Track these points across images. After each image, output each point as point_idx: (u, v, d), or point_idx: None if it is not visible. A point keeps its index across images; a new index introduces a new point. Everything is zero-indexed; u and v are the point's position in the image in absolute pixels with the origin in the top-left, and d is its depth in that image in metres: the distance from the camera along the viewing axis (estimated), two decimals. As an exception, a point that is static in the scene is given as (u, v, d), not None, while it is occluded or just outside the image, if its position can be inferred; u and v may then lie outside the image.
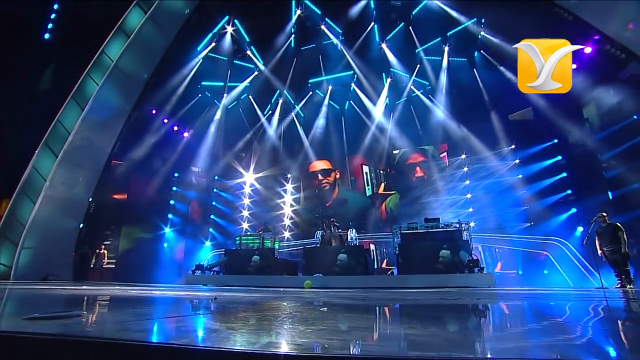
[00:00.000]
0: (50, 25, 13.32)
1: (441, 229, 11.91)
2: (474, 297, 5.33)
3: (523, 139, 14.78)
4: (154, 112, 15.20)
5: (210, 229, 17.65)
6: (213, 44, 14.55)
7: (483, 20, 12.46)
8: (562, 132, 13.69)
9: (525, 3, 9.98)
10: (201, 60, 14.66)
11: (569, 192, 13.93)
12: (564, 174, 14.09)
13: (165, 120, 15.76)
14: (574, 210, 13.62)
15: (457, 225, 11.87)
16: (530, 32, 11.50)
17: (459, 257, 10.66)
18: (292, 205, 18.75)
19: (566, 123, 13.13)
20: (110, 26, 12.75)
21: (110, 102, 13.09)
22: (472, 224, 12.10)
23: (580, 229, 13.26)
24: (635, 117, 11.75)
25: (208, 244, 17.35)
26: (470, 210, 15.73)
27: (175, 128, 16.36)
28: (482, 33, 12.81)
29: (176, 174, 17.19)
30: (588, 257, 12.47)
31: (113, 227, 14.61)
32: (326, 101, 16.58)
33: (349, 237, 13.17)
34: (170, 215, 16.83)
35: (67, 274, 13.65)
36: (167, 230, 16.58)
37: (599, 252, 8.60)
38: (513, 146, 15.15)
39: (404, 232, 12.28)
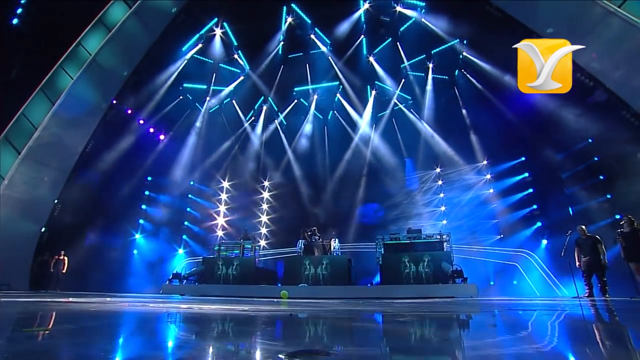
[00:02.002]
0: (19, 10, 12.28)
1: (423, 240, 12.23)
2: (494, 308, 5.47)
3: (494, 156, 15.67)
4: (129, 112, 14.43)
5: (184, 236, 16.88)
6: (200, 46, 14.15)
7: (465, 42, 13.19)
8: (529, 150, 14.68)
9: (505, 29, 10.68)
10: (186, 61, 14.19)
11: (535, 207, 14.82)
12: (531, 190, 15.02)
13: (141, 121, 15.03)
14: (539, 224, 14.51)
15: (439, 237, 12.27)
16: (507, 56, 12.42)
17: (442, 268, 10.97)
18: (268, 214, 18.50)
19: (533, 142, 13.99)
20: (89, 17, 12.00)
21: (85, 98, 12.25)
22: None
23: (544, 241, 14.21)
24: (590, 140, 12.87)
25: (181, 251, 16.57)
26: (444, 222, 16.31)
27: (152, 130, 15.62)
28: (464, 53, 13.56)
29: (149, 178, 16.37)
30: (553, 268, 13.41)
31: (79, 231, 13.49)
32: (312, 110, 16.62)
33: (332, 247, 13.16)
34: (141, 221, 15.94)
35: (23, 283, 12.42)
36: (138, 236, 15.67)
37: (577, 263, 9.14)
38: (485, 162, 15.99)
39: (387, 242, 12.47)
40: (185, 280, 12.10)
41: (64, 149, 12.40)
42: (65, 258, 12.94)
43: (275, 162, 17.61)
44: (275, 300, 7.97)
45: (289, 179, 17.38)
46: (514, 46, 5.79)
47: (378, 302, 7.17)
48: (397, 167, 16.39)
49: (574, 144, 13.11)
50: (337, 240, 13.40)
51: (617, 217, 11.79)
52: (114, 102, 13.00)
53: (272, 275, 14.21)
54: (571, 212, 13.73)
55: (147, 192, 16.39)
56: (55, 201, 12.75)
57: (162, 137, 16.16)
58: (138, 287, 13.96)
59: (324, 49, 14.45)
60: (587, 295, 8.90)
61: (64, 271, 12.82)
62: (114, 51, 12.20)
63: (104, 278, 13.55)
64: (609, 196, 12.43)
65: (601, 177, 12.69)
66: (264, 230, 18.12)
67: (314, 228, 13.68)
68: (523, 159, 15.26)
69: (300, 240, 13.34)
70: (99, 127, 12.85)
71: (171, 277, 12.06)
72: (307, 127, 16.83)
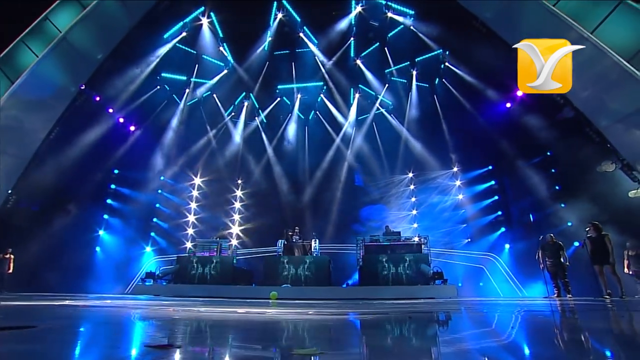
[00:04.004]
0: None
1: (402, 242, 12.57)
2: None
3: (465, 163, 16.51)
4: (97, 99, 13.29)
5: (152, 233, 15.90)
6: (184, 34, 13.36)
7: (447, 53, 13.76)
8: (497, 160, 15.63)
9: (488, 44, 11.31)
10: (167, 49, 13.34)
11: (500, 213, 15.78)
12: (496, 197, 16.00)
13: (110, 110, 13.92)
14: (503, 229, 15.47)
15: (417, 239, 12.69)
16: (486, 69, 13.13)
17: (420, 270, 11.35)
18: (241, 212, 18.05)
19: (500, 152, 14.85)
20: (60, -10, 10.94)
21: (51, 80, 11.11)
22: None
23: (507, 246, 15.19)
24: (549, 153, 14.00)
25: (149, 249, 15.60)
26: (415, 225, 16.89)
27: (122, 120, 14.50)
28: (446, 63, 14.13)
29: (116, 171, 15.25)
30: (515, 271, 14.38)
31: (36, 226, 12.18)
32: (296, 109, 16.45)
33: (312, 247, 13.09)
34: (106, 216, 14.78)
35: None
36: (102, 232, 14.51)
37: (541, 265, 9.93)
38: (456, 169, 16.80)
39: (368, 244, 12.65)
40: (158, 280, 11.40)
41: (23, 135, 11.16)
42: (11, 257, 11.54)
43: (253, 160, 17.21)
44: (270, 302, 7.77)
45: (266, 177, 17.07)
46: (514, 46, 5.80)
47: (379, 302, 7.23)
48: (376, 169, 16.73)
49: (536, 156, 14.12)
50: (317, 240, 13.36)
51: (569, 224, 12.94)
52: (88, 86, 11.91)
53: (249, 275, 13.84)
54: (532, 219, 14.82)
55: (112, 186, 15.26)
56: (9, 192, 11.42)
57: (132, 128, 15.10)
58: (102, 287, 12.94)
59: (313, 48, 14.35)
60: (556, 295, 9.67)
61: (9, 271, 11.43)
62: (88, 31, 11.16)
63: (63, 277, 12.35)
64: (562, 205, 13.44)
65: (557, 188, 13.73)
66: (236, 229, 17.63)
67: (296, 228, 13.54)
68: (490, 167, 16.22)
69: (281, 240, 13.12)
70: (66, 112, 11.71)
71: (144, 276, 11.31)
72: (289, 126, 16.64)
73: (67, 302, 5.07)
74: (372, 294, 10.38)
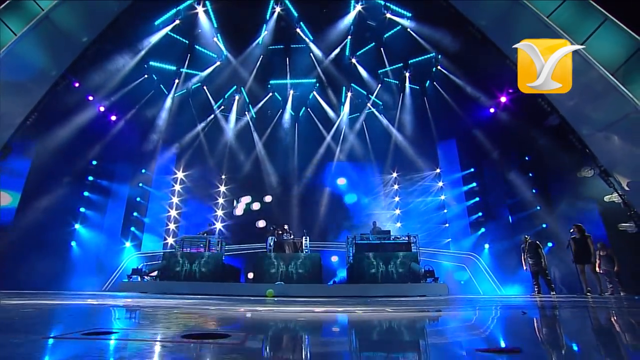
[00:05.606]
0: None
1: (392, 241, 12.76)
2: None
3: (449, 165, 17.00)
4: (76, 85, 12.46)
5: (132, 228, 15.18)
6: (177, 22, 12.78)
7: (440, 56, 14.08)
8: (479, 162, 16.20)
9: (481, 50, 11.68)
10: (158, 37, 12.70)
11: (480, 214, 16.38)
12: (477, 199, 16.59)
13: (90, 98, 13.11)
14: (483, 230, 16.05)
15: (407, 238, 12.93)
16: (477, 74, 13.55)
17: (411, 268, 11.58)
18: (224, 208, 17.69)
19: (483, 155, 15.41)
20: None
21: (31, 61, 10.28)
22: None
23: (487, 246, 15.81)
24: (527, 158, 14.72)
25: (128, 244, 14.88)
26: (399, 225, 17.24)
27: (102, 109, 13.68)
28: (438, 67, 14.43)
29: (94, 162, 14.41)
30: (494, 270, 14.98)
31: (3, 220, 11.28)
32: (289, 105, 16.26)
33: (304, 245, 13.03)
34: (82, 209, 13.93)
35: None
36: (78, 226, 13.68)
37: (524, 266, 10.45)
38: (439, 170, 17.29)
39: (358, 242, 12.74)
40: (146, 277, 10.92)
41: (-4, 119, 10.26)
42: None
43: (241, 155, 16.86)
44: (271, 299, 7.65)
45: (254, 173, 16.79)
46: (514, 46, 5.74)
47: (385, 300, 7.31)
48: (365, 167, 16.90)
49: (515, 160, 14.77)
50: (308, 238, 13.30)
51: (544, 226, 13.68)
52: (70, 71, 11.12)
53: (237, 272, 13.58)
54: (510, 221, 15.50)
55: (90, 178, 14.41)
56: (-21, 180, 10.51)
57: (113, 118, 14.29)
58: (77, 284, 12.22)
59: (312, 44, 14.19)
60: (536, 293, 10.19)
61: None
62: (73, 12, 10.40)
63: (35, 274, 11.49)
64: (538, 208, 14.15)
65: (534, 191, 14.44)
66: (219, 225, 17.26)
67: (286, 225, 13.43)
68: (472, 170, 16.79)
69: (271, 237, 12.96)
70: (45, 98, 10.88)
71: (130, 273, 10.79)
72: (279, 122, 16.44)
73: (89, 302, 4.70)
74: (365, 291, 10.48)
